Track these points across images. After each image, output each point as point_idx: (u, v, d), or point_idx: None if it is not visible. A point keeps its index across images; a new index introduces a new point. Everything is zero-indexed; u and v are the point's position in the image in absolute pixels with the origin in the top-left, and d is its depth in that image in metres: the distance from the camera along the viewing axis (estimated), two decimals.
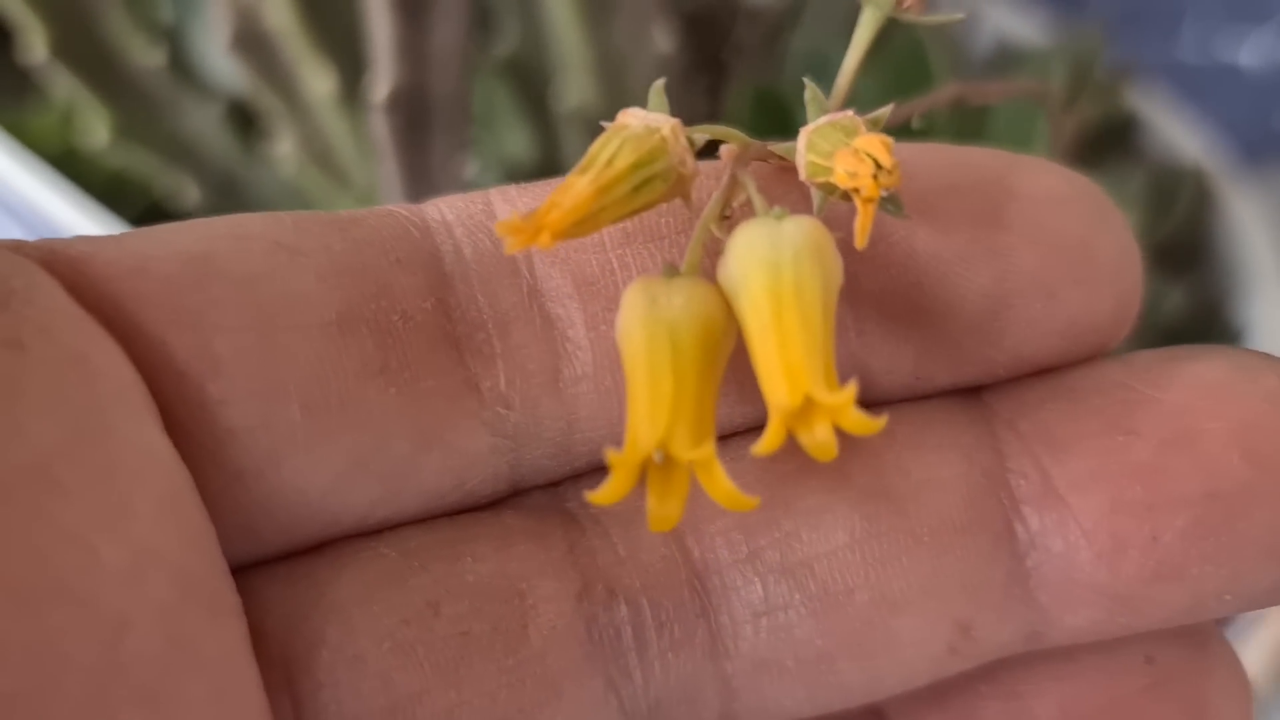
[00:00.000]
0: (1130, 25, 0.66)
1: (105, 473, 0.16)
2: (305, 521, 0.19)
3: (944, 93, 0.27)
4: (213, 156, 0.43)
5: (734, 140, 0.19)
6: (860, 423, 0.17)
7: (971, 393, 0.21)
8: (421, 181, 0.34)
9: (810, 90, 0.19)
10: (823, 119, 0.19)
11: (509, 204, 0.20)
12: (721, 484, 0.17)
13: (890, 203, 0.19)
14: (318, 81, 0.38)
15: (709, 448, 0.17)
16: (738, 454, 0.19)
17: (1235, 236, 0.47)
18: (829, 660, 0.20)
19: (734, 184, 0.19)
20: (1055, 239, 0.20)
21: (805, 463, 0.19)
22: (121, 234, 0.19)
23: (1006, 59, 0.50)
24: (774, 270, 0.17)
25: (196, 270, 0.18)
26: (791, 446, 0.20)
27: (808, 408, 0.17)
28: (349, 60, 0.38)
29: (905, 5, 0.20)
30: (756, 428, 0.20)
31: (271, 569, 0.19)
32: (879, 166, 0.17)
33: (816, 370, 0.16)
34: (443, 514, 0.20)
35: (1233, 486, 0.19)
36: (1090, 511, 0.19)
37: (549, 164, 0.42)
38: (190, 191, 0.43)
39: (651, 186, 0.18)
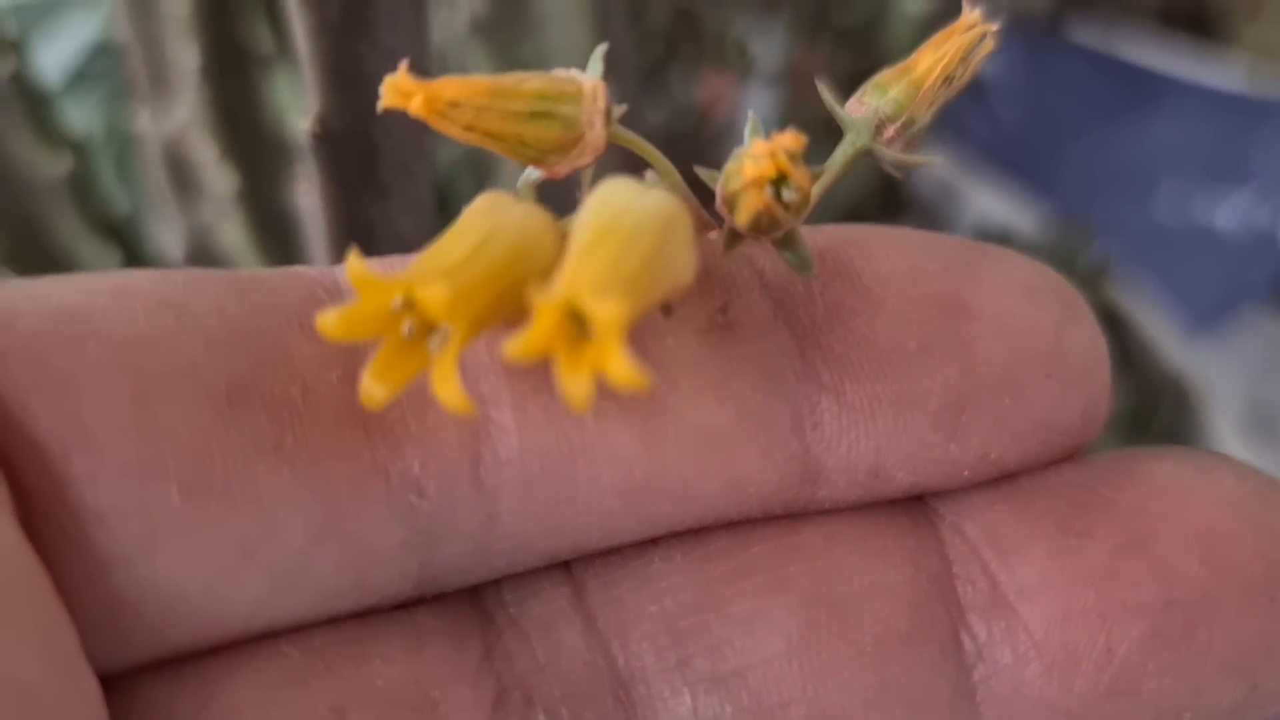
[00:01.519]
0: (1108, 187, 0.66)
1: None
2: (182, 620, 0.17)
3: None
4: None
5: (653, 161, 0.18)
6: (624, 370, 0.14)
7: (915, 496, 0.19)
8: None
9: (752, 121, 0.18)
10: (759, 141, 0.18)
11: None
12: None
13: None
14: None
15: (470, 331, 0.16)
16: (667, 553, 0.18)
17: (1213, 447, 0.47)
18: None
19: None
20: (1025, 331, 0.18)
21: (740, 564, 0.18)
22: None
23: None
24: (617, 216, 0.16)
25: (70, 328, 0.16)
26: (727, 546, 0.18)
27: (577, 347, 0.15)
28: None
29: (886, 138, 0.19)
30: (690, 531, 0.19)
31: (156, 667, 0.17)
32: (787, 155, 0.16)
33: (606, 288, 0.15)
34: (340, 617, 0.18)
35: (1192, 594, 0.18)
36: (1041, 620, 0.18)
37: None
38: None
39: (548, 123, 0.17)
